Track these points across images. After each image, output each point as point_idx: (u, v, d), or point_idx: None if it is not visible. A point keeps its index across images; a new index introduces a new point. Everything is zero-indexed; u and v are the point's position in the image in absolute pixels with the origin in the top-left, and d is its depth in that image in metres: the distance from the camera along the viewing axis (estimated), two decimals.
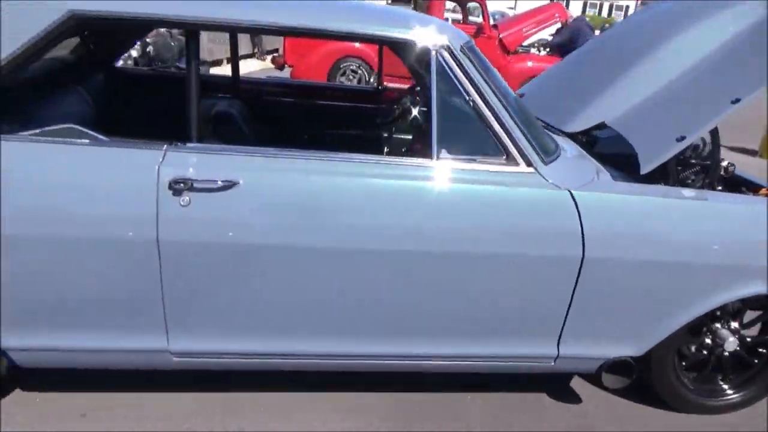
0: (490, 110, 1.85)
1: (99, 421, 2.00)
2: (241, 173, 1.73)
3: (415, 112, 2.84)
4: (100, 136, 1.72)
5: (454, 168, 1.85)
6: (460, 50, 1.85)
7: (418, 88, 3.10)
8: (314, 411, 2.14)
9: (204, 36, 8.59)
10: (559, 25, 9.49)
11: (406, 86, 3.34)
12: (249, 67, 10.82)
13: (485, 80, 1.86)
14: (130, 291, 1.77)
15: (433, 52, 1.83)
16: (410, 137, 3.04)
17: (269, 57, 12.26)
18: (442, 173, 1.84)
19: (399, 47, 1.86)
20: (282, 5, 1.80)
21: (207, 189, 1.70)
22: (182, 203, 1.69)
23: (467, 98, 1.85)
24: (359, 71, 8.50)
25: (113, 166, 1.69)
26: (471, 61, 1.86)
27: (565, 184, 1.90)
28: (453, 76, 1.84)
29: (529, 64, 9.23)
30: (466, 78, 1.84)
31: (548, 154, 1.96)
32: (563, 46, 8.82)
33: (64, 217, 1.67)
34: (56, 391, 2.09)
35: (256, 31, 1.82)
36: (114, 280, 1.75)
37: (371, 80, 8.51)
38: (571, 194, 1.88)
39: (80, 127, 1.71)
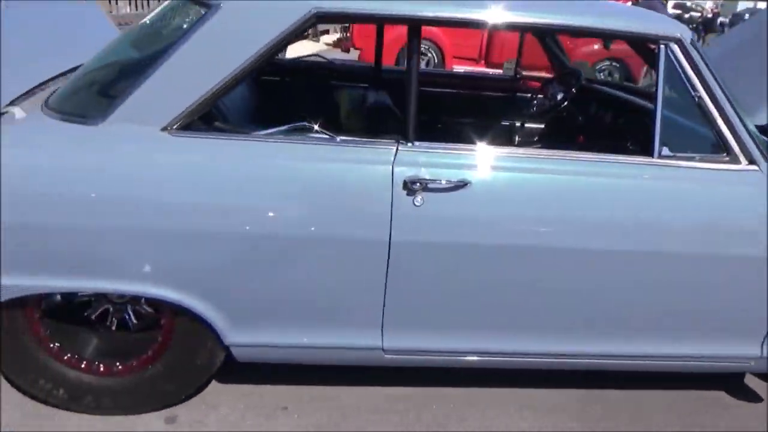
0: (716, 107, 1.79)
1: (300, 413, 2.03)
2: (472, 173, 1.70)
3: (566, 102, 2.79)
4: (332, 135, 1.71)
5: (676, 166, 1.80)
6: (690, 44, 1.79)
7: (561, 78, 3.04)
8: (504, 407, 2.14)
9: None
10: (629, 4, 9.22)
11: (544, 75, 3.27)
12: (304, 49, 10.77)
13: (713, 75, 1.80)
14: (354, 290, 1.78)
15: (663, 47, 1.78)
16: (554, 127, 2.99)
17: (322, 38, 12.20)
18: (665, 172, 1.79)
19: (637, 41, 1.82)
20: (518, 4, 1.78)
21: (440, 189, 1.69)
22: (416, 203, 1.68)
23: (693, 94, 1.80)
24: (429, 53, 8.39)
25: (347, 165, 1.68)
26: (700, 55, 1.80)
27: None
28: (682, 72, 1.78)
29: (595, 47, 8.98)
30: (695, 73, 1.79)
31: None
32: None
33: (295, 216, 1.68)
34: (255, 384, 2.12)
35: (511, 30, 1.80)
36: (340, 279, 1.76)
37: (437, 62, 8.43)
38: None
39: (314, 125, 1.71)
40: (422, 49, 8.52)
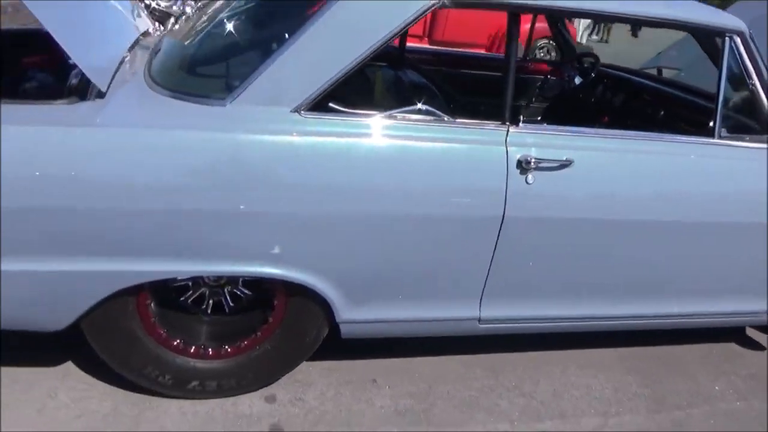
0: (766, 93, 2.04)
1: (389, 384, 2.11)
2: (575, 153, 1.84)
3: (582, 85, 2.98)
4: (447, 116, 1.78)
5: (734, 146, 2.04)
6: (750, 37, 2.01)
7: (574, 61, 3.24)
8: (567, 367, 2.33)
9: None
10: None
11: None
12: None
13: (765, 66, 2.04)
14: (462, 264, 1.87)
15: (728, 39, 1.98)
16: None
17: None
18: (723, 151, 2.02)
19: (704, 33, 2.01)
20: None
21: (548, 168, 1.81)
22: (528, 181, 1.79)
23: (749, 81, 2.03)
24: None
25: (466, 146, 1.76)
26: (756, 48, 2.02)
27: None
28: (741, 61, 2.01)
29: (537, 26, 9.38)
30: (752, 63, 2.01)
31: None
32: None
33: (420, 194, 1.74)
34: (336, 360, 2.17)
35: (600, 18, 1.92)
36: (451, 254, 1.84)
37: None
38: None
39: (432, 108, 1.77)
40: None
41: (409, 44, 3.16)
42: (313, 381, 2.07)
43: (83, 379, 1.95)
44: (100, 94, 1.61)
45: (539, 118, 3.38)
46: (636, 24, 2.85)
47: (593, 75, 2.97)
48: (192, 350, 1.84)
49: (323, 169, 1.64)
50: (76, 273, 1.58)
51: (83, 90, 1.66)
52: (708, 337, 2.63)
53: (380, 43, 1.65)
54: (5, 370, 1.94)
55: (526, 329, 2.11)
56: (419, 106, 1.78)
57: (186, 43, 1.86)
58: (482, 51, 8.41)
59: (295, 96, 1.63)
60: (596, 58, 3.00)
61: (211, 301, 1.90)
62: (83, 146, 1.51)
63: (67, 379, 1.94)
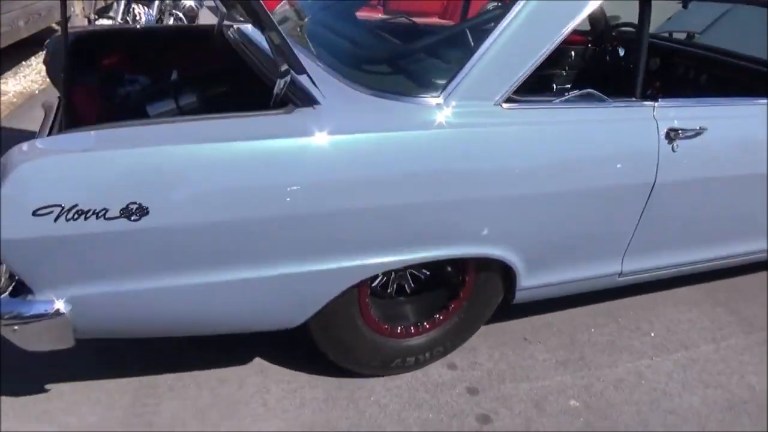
0: None
1: (540, 341, 2.36)
2: (706, 121, 2.12)
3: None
4: (606, 97, 2.00)
5: None
6: None
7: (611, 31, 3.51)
8: (667, 306, 2.68)
9: None
10: None
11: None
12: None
13: None
14: (616, 227, 2.12)
15: None
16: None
17: None
18: None
19: None
20: None
21: (687, 136, 2.07)
22: (674, 149, 2.06)
23: None
24: None
25: (629, 123, 1.99)
26: None
27: None
28: None
29: None
30: None
31: None
32: None
33: (588, 169, 1.96)
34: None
35: None
36: (610, 219, 2.08)
37: None
38: None
39: (596, 91, 1.97)
40: None
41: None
42: (476, 346, 2.28)
43: (280, 372, 2.07)
44: (306, 100, 1.67)
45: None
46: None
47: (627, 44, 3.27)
48: (399, 331, 2.00)
49: (524, 154, 1.82)
50: (317, 272, 1.69)
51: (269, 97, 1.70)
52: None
53: (563, 36, 1.83)
54: (204, 372, 2.02)
55: (653, 277, 2.41)
56: (588, 89, 1.98)
57: (379, 44, 1.94)
58: (436, 19, 8.59)
59: (496, 89, 1.78)
60: (634, 26, 3.28)
61: (395, 285, 2.06)
62: (328, 154, 1.60)
63: (267, 374, 2.05)
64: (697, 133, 2.09)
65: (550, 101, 1.91)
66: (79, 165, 1.36)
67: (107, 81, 2.57)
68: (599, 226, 2.09)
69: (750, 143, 2.20)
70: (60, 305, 1.45)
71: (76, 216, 1.34)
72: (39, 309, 1.42)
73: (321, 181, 1.58)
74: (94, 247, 1.40)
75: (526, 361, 2.25)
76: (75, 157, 1.36)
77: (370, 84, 1.78)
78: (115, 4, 5.22)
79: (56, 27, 6.45)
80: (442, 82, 1.76)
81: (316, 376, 2.06)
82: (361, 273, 1.74)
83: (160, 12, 5.37)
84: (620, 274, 2.27)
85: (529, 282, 2.07)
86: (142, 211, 1.39)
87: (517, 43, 1.78)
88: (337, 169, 1.60)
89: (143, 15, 5.06)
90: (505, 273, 2.03)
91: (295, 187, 1.54)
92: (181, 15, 5.63)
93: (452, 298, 2.06)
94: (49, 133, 2.25)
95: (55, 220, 1.33)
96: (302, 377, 2.05)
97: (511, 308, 2.23)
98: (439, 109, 1.73)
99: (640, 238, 2.19)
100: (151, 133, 1.48)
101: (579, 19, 1.84)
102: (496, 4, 2.09)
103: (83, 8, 7.01)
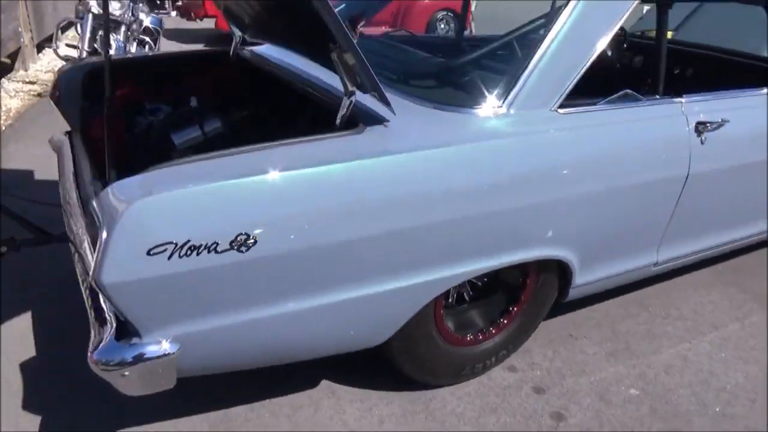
0: None
1: (584, 335, 2.44)
2: (728, 113, 2.25)
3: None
4: (640, 96, 2.10)
5: None
6: None
7: None
8: (696, 288, 2.82)
9: None
10: None
11: None
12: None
13: None
14: (654, 219, 2.23)
15: None
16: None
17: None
18: None
19: None
20: None
21: (712, 128, 2.20)
22: (702, 141, 2.18)
23: None
24: None
25: (664, 120, 2.10)
26: None
27: None
28: None
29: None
30: None
31: None
32: None
33: (630, 166, 2.05)
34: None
35: None
36: (649, 212, 2.18)
37: None
38: None
39: (633, 92, 2.07)
40: None
41: None
42: (528, 348, 2.33)
43: (350, 392, 2.05)
44: (373, 119, 1.68)
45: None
46: None
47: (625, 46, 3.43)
48: (468, 338, 2.02)
49: (580, 156, 1.90)
50: (404, 288, 1.70)
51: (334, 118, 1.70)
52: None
53: (609, 37, 1.91)
54: (275, 400, 1.98)
55: (681, 264, 2.53)
56: (625, 90, 2.07)
57: (421, 58, 1.97)
58: (386, 28, 8.72)
59: (552, 95, 1.85)
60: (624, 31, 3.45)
61: (455, 295, 2.09)
62: (411, 170, 1.61)
63: (338, 395, 2.03)
64: (720, 124, 2.22)
65: (595, 104, 1.99)
66: (190, 200, 1.32)
67: (126, 111, 2.50)
68: (641, 219, 2.18)
69: (765, 130, 2.36)
70: (166, 345, 1.40)
71: (188, 252, 1.31)
72: (150, 352, 1.37)
73: (409, 198, 1.60)
74: (204, 282, 1.36)
75: (578, 356, 2.32)
76: (186, 192, 1.32)
77: (430, 98, 1.82)
78: (79, 32, 5.05)
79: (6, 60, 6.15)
80: (502, 91, 1.81)
81: (386, 392, 2.05)
82: (442, 285, 1.76)
83: (126, 38, 5.23)
84: (656, 264, 2.38)
85: (583, 279, 2.14)
86: (251, 242, 1.37)
87: (569, 46, 1.85)
88: (421, 184, 1.62)
89: (112, 42, 4.91)
90: (561, 272, 2.10)
91: (387, 205, 1.56)
92: (147, 39, 5.50)
93: (513, 301, 2.10)
94: (76, 170, 2.18)
95: (169, 258, 1.29)
96: (373, 395, 2.04)
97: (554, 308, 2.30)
98: (503, 118, 1.78)
99: (673, 228, 2.30)
100: (244, 162, 1.45)
101: (623, 18, 1.93)
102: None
103: (32, 38, 6.75)
